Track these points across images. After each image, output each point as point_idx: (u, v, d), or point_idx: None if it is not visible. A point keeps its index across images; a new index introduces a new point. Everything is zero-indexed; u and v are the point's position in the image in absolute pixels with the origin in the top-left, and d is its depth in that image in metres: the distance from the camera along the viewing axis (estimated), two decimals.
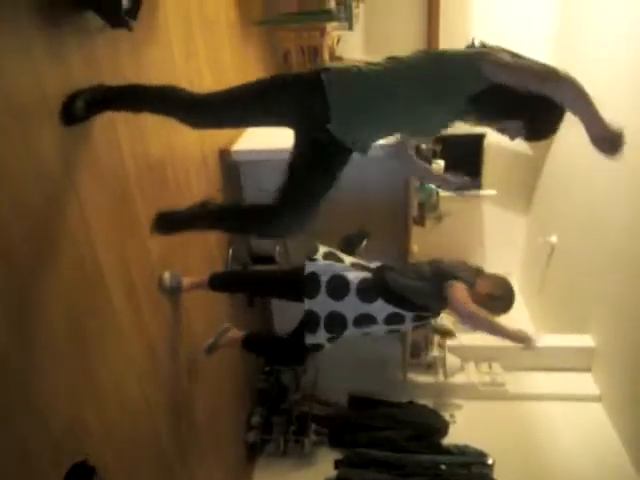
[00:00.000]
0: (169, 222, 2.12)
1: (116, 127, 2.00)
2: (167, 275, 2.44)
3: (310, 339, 2.56)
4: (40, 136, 1.57)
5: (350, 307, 2.49)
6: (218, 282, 2.76)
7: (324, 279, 2.51)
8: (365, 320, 2.50)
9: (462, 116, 1.80)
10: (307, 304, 2.52)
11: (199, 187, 2.93)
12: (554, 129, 1.75)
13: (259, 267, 3.56)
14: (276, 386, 4.05)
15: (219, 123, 1.94)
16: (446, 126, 1.84)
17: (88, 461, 1.54)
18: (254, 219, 2.00)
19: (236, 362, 3.50)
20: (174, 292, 2.52)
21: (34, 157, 1.54)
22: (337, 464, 3.61)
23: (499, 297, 2.40)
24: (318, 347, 2.64)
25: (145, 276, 2.25)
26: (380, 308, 2.47)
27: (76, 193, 1.75)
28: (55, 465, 1.53)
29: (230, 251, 3.41)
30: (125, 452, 2.02)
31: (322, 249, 2.65)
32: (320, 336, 2.55)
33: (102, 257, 1.90)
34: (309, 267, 2.56)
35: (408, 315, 2.50)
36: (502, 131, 1.79)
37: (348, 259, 2.66)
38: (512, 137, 1.79)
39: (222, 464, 3.28)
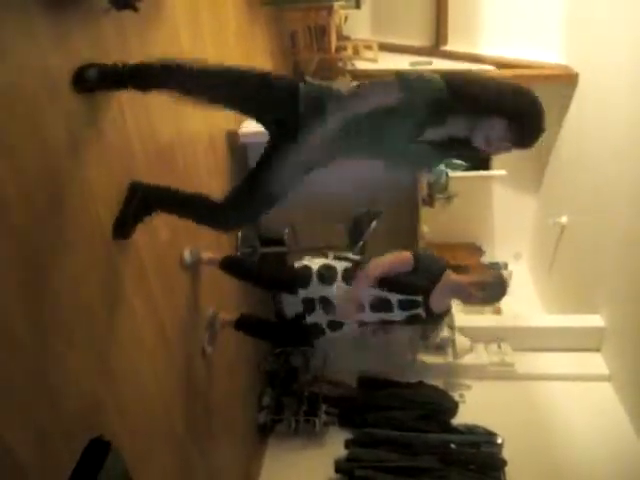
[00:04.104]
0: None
1: (124, 111, 2.00)
2: (187, 253, 2.61)
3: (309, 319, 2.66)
4: (46, 118, 1.57)
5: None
6: (228, 266, 2.85)
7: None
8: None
9: (424, 126, 1.72)
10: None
11: (207, 170, 2.92)
12: (541, 126, 1.63)
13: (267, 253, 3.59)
14: (286, 367, 4.09)
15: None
16: (417, 136, 1.75)
17: (104, 436, 1.56)
18: (203, 214, 2.09)
19: (246, 344, 3.53)
20: (195, 267, 2.69)
21: (41, 140, 1.54)
22: (347, 444, 3.65)
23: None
24: (319, 331, 2.67)
25: (156, 260, 2.26)
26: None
27: (83, 178, 1.75)
28: (70, 444, 1.56)
29: (239, 233, 3.42)
30: (139, 433, 2.05)
31: (316, 265, 2.65)
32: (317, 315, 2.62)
33: (112, 242, 1.91)
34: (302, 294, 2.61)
35: (394, 299, 2.46)
36: (488, 141, 1.65)
37: (341, 266, 2.63)
38: (500, 145, 1.65)
39: (234, 444, 3.33)
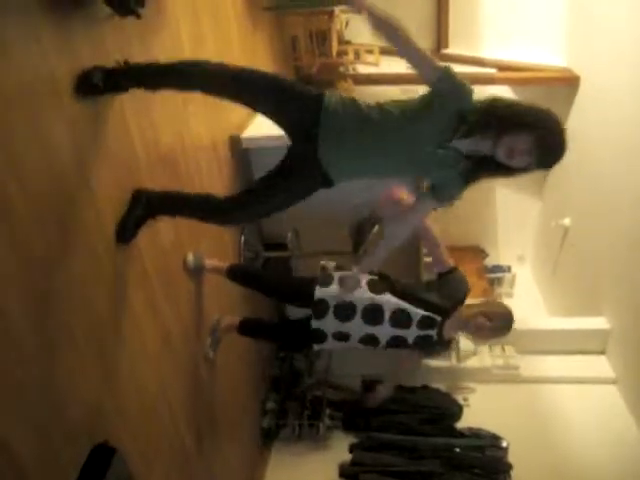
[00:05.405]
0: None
1: (126, 115, 2.01)
2: (190, 257, 2.60)
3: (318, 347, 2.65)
4: (50, 125, 1.58)
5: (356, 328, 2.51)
6: (236, 275, 2.83)
7: (332, 304, 2.51)
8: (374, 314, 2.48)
9: (451, 133, 1.76)
10: (314, 324, 2.55)
11: (210, 174, 2.93)
12: (564, 145, 1.68)
13: (274, 267, 3.56)
14: (290, 372, 4.08)
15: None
16: (437, 154, 1.78)
17: (109, 442, 1.56)
18: (204, 211, 2.11)
19: (249, 349, 3.53)
20: (198, 272, 2.67)
21: (43, 142, 1.55)
22: (351, 448, 3.63)
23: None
24: (321, 338, 2.60)
25: (158, 264, 2.26)
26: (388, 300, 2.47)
27: (86, 181, 1.76)
28: (74, 450, 1.56)
29: (242, 238, 3.42)
30: (142, 437, 2.05)
31: (337, 275, 2.58)
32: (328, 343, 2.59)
33: (115, 245, 1.91)
34: (318, 293, 2.55)
35: (416, 315, 2.44)
36: (510, 153, 1.67)
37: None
38: (522, 159, 1.67)
39: (238, 449, 3.32)
